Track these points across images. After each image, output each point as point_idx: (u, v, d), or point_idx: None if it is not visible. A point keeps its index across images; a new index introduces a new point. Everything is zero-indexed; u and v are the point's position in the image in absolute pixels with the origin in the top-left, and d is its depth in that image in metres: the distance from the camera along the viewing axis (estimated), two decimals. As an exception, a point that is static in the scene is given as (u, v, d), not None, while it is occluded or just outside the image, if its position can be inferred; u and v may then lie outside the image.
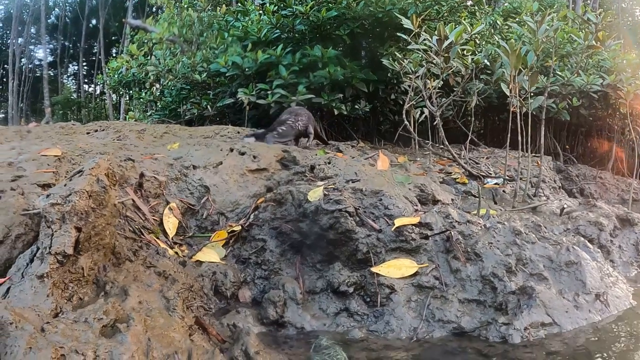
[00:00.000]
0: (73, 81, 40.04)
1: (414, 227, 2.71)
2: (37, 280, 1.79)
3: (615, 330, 2.39)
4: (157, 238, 2.74)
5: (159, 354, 1.71)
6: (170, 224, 2.97)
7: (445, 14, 5.83)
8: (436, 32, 4.09)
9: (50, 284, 1.80)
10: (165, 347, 1.76)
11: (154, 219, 2.90)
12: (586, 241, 3.09)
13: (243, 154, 3.67)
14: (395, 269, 2.56)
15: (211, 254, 2.77)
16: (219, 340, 2.07)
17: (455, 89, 4.69)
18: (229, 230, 3.01)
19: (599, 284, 2.66)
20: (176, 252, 2.76)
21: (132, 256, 2.31)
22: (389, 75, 5.80)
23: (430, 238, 2.70)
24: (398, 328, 2.34)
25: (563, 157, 6.94)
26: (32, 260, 1.91)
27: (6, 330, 1.52)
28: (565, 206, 3.74)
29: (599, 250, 3.12)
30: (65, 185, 2.07)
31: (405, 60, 4.72)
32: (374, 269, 2.53)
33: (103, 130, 4.72)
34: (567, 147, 7.32)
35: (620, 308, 2.62)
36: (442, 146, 4.99)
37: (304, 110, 4.65)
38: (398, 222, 2.70)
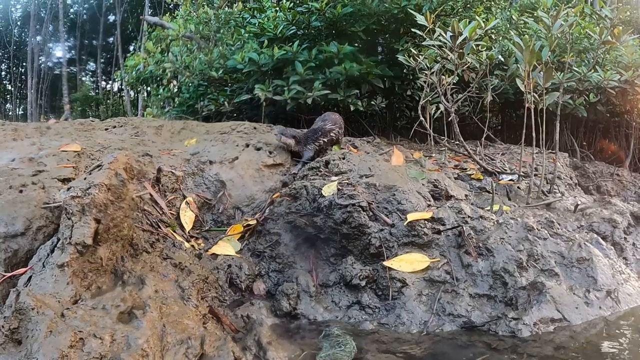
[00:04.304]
0: (91, 78, 40.46)
1: (426, 222, 2.73)
2: (58, 269, 1.86)
3: (625, 326, 2.39)
4: (174, 231, 2.80)
5: (173, 339, 1.77)
6: (187, 217, 3.03)
7: (460, 10, 5.81)
8: (450, 28, 4.09)
9: (70, 272, 1.86)
10: (179, 332, 1.82)
11: (171, 213, 2.96)
12: (599, 238, 3.08)
13: (259, 149, 3.71)
14: (407, 263, 2.59)
15: (227, 247, 2.82)
16: (232, 329, 2.12)
17: (470, 85, 4.68)
18: (244, 224, 3.06)
19: (611, 281, 2.66)
20: (192, 245, 2.81)
21: (150, 248, 2.37)
22: (404, 71, 5.79)
23: (442, 233, 2.72)
24: (409, 321, 2.37)
25: (580, 153, 6.87)
26: (52, 251, 1.98)
27: (28, 315, 1.59)
28: (579, 203, 3.73)
29: (612, 247, 3.11)
30: (85, 178, 2.13)
31: (420, 57, 4.72)
32: (386, 263, 2.56)
33: (121, 126, 4.80)
34: (584, 143, 7.24)
35: (632, 305, 2.62)
36: (457, 142, 4.99)
37: (339, 117, 4.36)
38: (410, 217, 2.73)
